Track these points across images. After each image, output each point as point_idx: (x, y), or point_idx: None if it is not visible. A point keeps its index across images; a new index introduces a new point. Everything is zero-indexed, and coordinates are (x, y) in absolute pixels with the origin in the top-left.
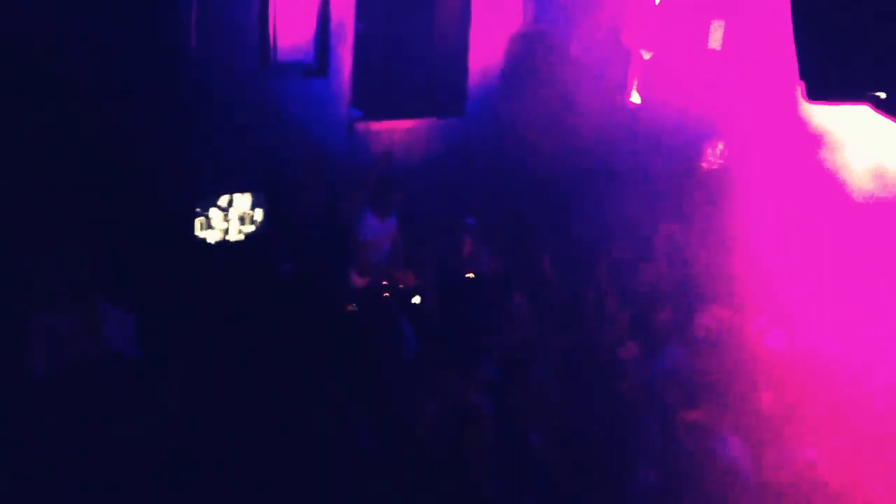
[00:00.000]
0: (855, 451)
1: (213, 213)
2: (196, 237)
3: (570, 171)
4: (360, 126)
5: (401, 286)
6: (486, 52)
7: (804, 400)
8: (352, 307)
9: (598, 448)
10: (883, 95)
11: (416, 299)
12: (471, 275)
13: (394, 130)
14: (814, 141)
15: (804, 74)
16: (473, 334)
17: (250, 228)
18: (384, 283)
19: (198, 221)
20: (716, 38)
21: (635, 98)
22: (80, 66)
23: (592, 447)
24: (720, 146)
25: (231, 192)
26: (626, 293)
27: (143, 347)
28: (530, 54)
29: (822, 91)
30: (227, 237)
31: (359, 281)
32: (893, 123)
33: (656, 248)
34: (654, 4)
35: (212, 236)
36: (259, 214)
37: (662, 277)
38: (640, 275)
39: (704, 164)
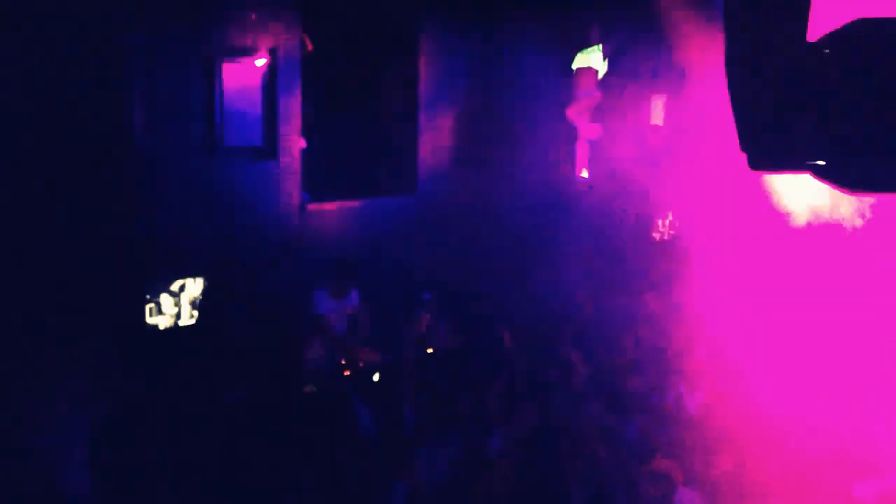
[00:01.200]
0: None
1: (164, 298)
2: (146, 324)
3: (524, 244)
4: (313, 207)
5: (360, 364)
6: (436, 131)
7: (759, 461)
8: (309, 388)
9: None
10: (822, 163)
11: (376, 377)
12: (430, 350)
13: (346, 210)
14: (759, 205)
15: (745, 146)
16: (439, 409)
17: (201, 313)
18: (342, 360)
19: (148, 308)
20: (657, 114)
21: (584, 174)
22: (25, 153)
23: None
24: (669, 218)
25: (182, 277)
26: (594, 364)
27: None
28: (477, 132)
29: (763, 161)
30: (179, 322)
31: (316, 354)
32: (833, 190)
33: (624, 320)
34: (598, 79)
35: (163, 322)
36: (210, 299)
37: (630, 348)
38: (609, 346)
39: (655, 236)
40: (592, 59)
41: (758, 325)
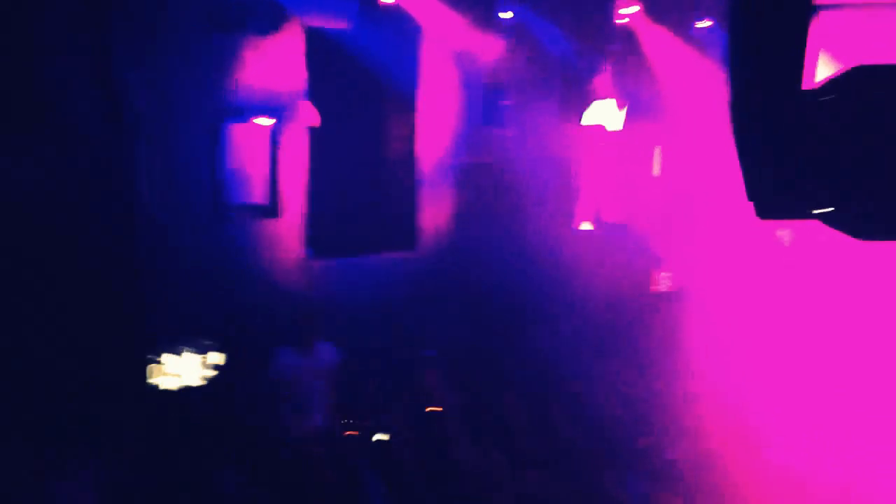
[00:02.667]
0: None
1: (169, 360)
2: (152, 385)
3: (526, 299)
4: (315, 263)
5: (358, 431)
6: (434, 185)
7: None
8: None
9: None
10: (831, 211)
11: (379, 436)
12: (433, 409)
13: (347, 266)
14: (762, 254)
15: (752, 196)
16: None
17: (208, 373)
18: (343, 422)
19: (154, 369)
20: (656, 164)
21: (586, 226)
22: (31, 217)
23: None
24: (669, 270)
25: (187, 338)
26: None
27: None
28: (478, 186)
29: (771, 211)
30: (185, 383)
31: (293, 425)
32: (844, 236)
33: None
34: (606, 132)
35: (168, 384)
36: (216, 359)
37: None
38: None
39: (654, 288)
40: (604, 110)
41: (764, 374)
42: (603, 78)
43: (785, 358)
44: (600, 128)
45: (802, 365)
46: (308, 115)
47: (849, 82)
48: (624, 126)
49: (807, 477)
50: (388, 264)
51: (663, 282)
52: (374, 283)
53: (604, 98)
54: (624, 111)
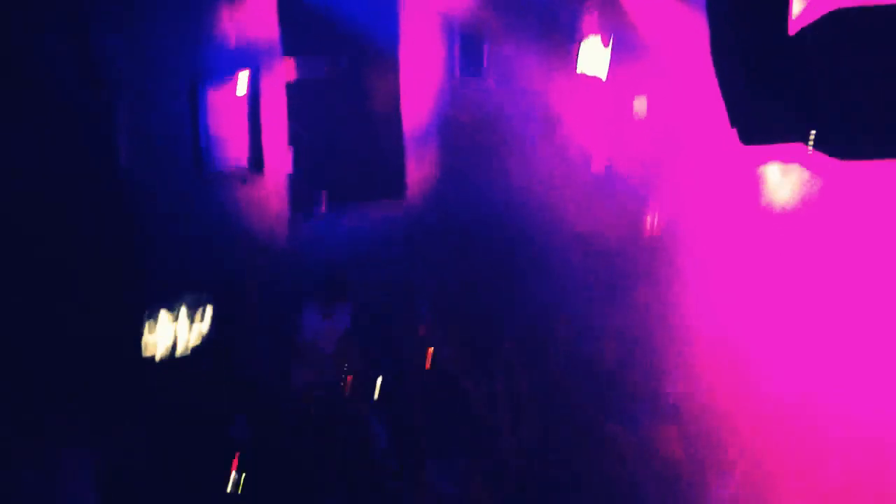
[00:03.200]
0: None
1: (159, 326)
2: (142, 355)
3: (515, 245)
4: (303, 223)
5: (359, 381)
6: (421, 138)
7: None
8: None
9: None
10: (813, 133)
11: (377, 394)
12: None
13: (336, 222)
14: (749, 199)
15: (735, 122)
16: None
17: (198, 341)
18: (344, 379)
19: (144, 338)
20: (641, 110)
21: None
22: (10, 185)
23: None
24: (658, 214)
25: (175, 303)
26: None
27: None
28: (463, 137)
29: (754, 135)
30: (175, 352)
31: (304, 377)
32: (828, 158)
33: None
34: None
35: (159, 352)
36: (207, 324)
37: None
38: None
39: (645, 231)
40: (591, 53)
41: (754, 318)
42: (588, 21)
43: (776, 293)
44: (584, 74)
45: (794, 298)
46: (287, 70)
47: (827, 25)
48: (608, 71)
49: (801, 407)
50: (377, 217)
51: (653, 225)
52: (362, 239)
53: (591, 35)
54: (609, 52)
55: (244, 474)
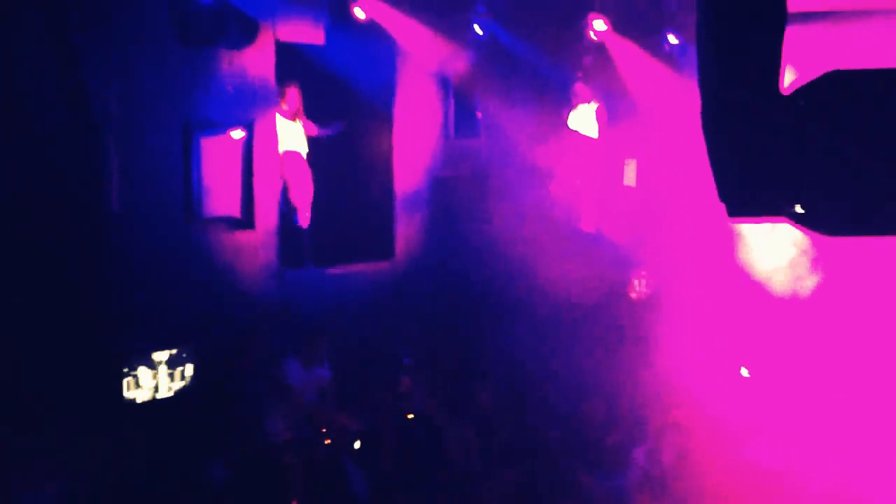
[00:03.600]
0: None
1: (142, 371)
2: (124, 398)
3: (501, 303)
4: (290, 275)
5: (341, 430)
6: (412, 196)
7: None
8: (289, 459)
9: None
10: (800, 210)
11: (357, 444)
12: (411, 415)
13: (324, 277)
14: (733, 261)
15: (723, 196)
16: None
17: (181, 385)
18: (323, 429)
19: (126, 381)
20: (630, 176)
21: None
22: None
23: None
24: (644, 277)
25: (160, 349)
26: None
27: None
28: (453, 196)
29: (741, 210)
30: (157, 395)
31: (279, 425)
32: (811, 235)
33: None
34: (583, 139)
35: (141, 395)
36: (189, 370)
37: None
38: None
39: (632, 295)
40: (584, 116)
41: (736, 380)
42: (580, 85)
43: (762, 358)
44: (577, 135)
45: (780, 365)
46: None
47: (823, 87)
48: (600, 135)
49: (784, 476)
50: (366, 273)
51: (638, 287)
52: (351, 292)
53: (584, 102)
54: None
55: None
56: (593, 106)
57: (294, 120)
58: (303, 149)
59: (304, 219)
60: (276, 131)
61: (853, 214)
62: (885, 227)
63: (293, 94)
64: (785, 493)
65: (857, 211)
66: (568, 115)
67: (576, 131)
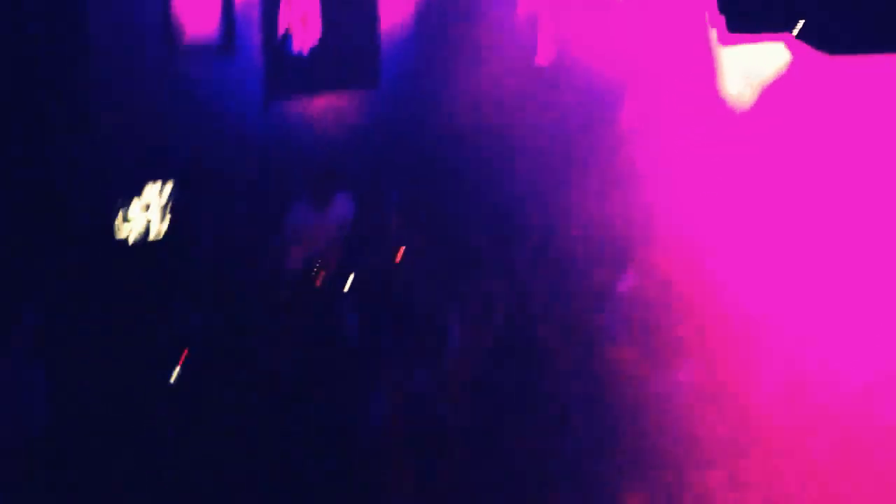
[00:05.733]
0: None
1: (131, 207)
2: (115, 236)
3: (490, 137)
4: (275, 105)
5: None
6: (398, 22)
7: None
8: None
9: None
10: (800, 24)
11: (349, 284)
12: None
13: (309, 109)
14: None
15: (723, 10)
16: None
17: (170, 220)
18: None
19: (117, 219)
20: None
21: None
22: None
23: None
24: (635, 104)
25: (147, 184)
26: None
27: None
28: (443, 23)
29: (741, 24)
30: (149, 232)
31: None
32: (813, 50)
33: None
34: None
35: (132, 232)
36: (178, 205)
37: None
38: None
39: (623, 125)
40: None
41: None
42: None
43: (747, 198)
44: None
45: (766, 206)
46: None
47: None
48: None
49: (762, 323)
50: (351, 105)
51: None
52: (337, 123)
53: None
54: None
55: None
56: None
57: None
58: None
59: (299, 41)
60: None
61: (856, 30)
62: (888, 44)
63: None
64: (766, 337)
65: (860, 27)
66: None
67: None
